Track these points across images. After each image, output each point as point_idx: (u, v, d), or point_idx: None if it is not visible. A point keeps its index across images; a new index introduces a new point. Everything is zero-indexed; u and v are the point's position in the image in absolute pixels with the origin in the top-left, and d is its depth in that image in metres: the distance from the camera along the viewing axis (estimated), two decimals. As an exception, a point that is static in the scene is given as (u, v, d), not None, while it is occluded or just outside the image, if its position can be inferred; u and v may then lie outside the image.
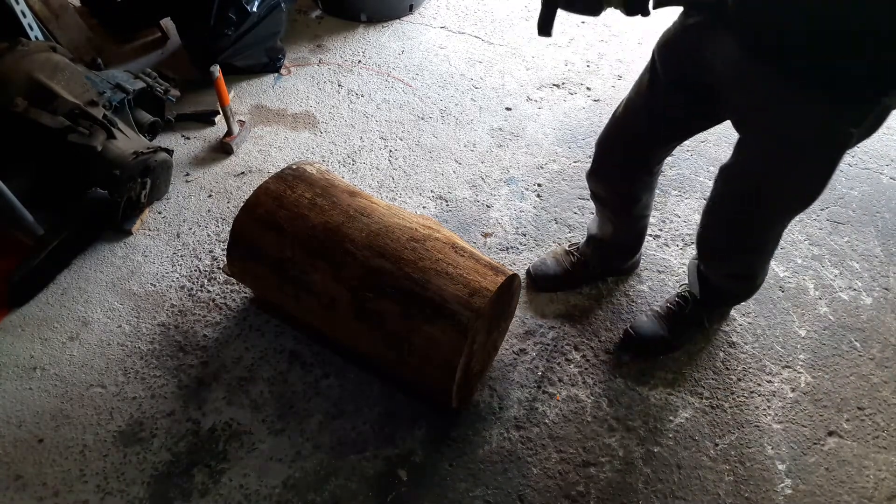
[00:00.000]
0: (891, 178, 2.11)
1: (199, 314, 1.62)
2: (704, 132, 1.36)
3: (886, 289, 1.75)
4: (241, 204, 1.42)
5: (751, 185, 1.13)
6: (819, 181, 1.06)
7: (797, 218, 1.92)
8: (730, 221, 1.23)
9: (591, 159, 1.44)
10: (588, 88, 2.47)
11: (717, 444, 1.41)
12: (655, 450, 1.39)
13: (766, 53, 0.95)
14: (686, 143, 1.41)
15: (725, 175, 1.18)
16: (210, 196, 1.96)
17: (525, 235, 1.87)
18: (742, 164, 1.13)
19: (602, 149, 1.39)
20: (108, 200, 1.75)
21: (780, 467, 1.38)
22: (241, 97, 2.37)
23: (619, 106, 1.31)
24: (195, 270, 1.73)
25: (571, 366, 1.54)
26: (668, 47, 1.14)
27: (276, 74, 2.49)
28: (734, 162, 1.15)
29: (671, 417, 1.45)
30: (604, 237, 1.59)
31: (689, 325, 1.55)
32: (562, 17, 1.06)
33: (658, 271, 1.77)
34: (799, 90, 0.94)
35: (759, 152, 1.08)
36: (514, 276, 1.35)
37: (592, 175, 1.45)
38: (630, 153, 1.33)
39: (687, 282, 1.62)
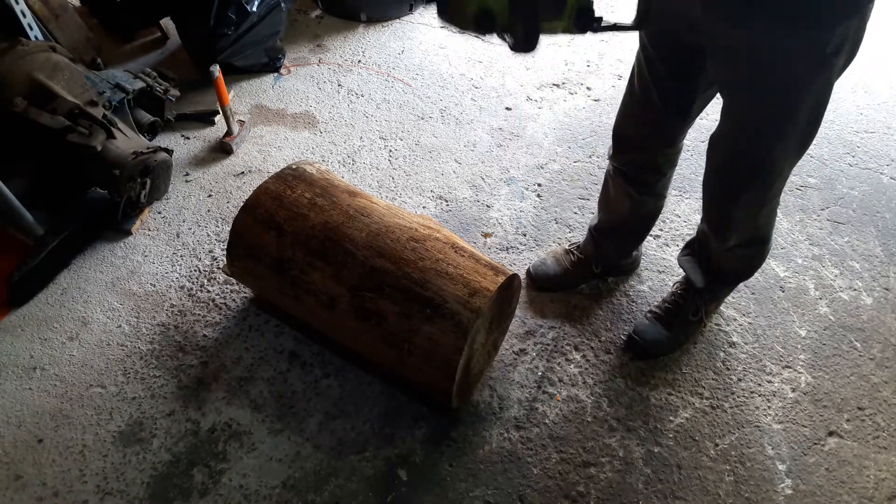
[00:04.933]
0: (891, 178, 2.11)
1: (199, 314, 1.62)
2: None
3: (887, 289, 1.75)
4: (241, 204, 1.42)
5: (750, 134, 1.14)
6: (812, 114, 1.07)
7: (797, 218, 1.94)
8: (737, 177, 1.23)
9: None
10: (588, 88, 2.47)
11: (717, 445, 1.41)
12: (655, 450, 1.39)
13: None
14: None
15: (722, 139, 1.19)
16: (210, 196, 1.96)
17: (525, 235, 1.87)
18: (734, 119, 1.14)
19: (622, 129, 1.40)
20: (108, 200, 1.75)
21: (780, 467, 1.37)
22: (241, 97, 2.37)
23: (627, 88, 1.34)
24: (195, 270, 1.73)
25: (571, 366, 1.54)
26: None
27: (275, 74, 2.49)
28: (724, 125, 1.16)
29: (671, 417, 1.45)
30: (612, 221, 1.57)
31: (688, 320, 1.55)
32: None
33: (658, 271, 1.77)
34: (767, 28, 0.96)
35: (748, 100, 1.09)
36: (514, 276, 1.35)
37: (617, 154, 1.45)
38: (648, 127, 1.34)
39: (681, 280, 1.61)
